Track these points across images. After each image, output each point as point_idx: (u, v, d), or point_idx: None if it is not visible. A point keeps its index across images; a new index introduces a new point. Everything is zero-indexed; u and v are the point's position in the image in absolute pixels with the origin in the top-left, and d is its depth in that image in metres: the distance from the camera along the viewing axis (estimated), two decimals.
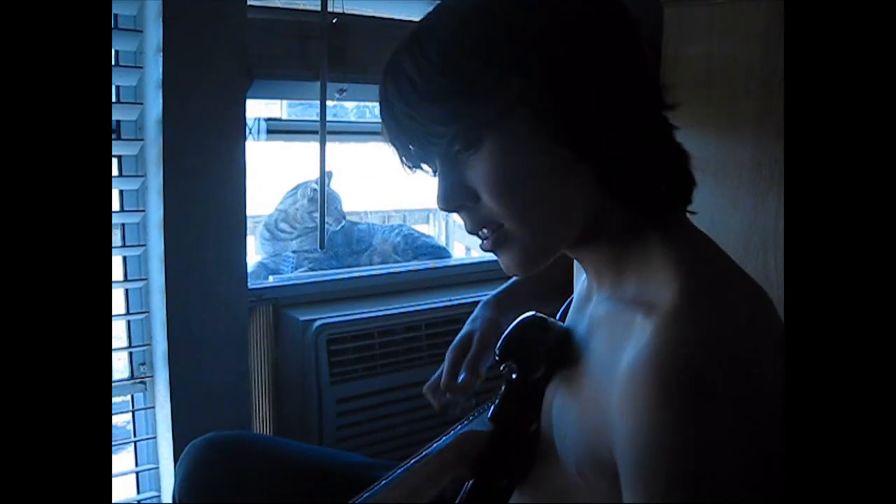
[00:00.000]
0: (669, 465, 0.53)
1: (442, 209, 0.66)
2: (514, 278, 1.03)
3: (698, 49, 1.56)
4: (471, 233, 0.67)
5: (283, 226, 1.70)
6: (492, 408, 0.76)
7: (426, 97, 0.60)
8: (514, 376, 0.72)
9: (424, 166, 0.66)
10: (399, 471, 0.81)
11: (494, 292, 1.05)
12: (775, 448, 0.51)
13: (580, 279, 0.79)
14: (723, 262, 0.62)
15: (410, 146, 0.64)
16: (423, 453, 0.81)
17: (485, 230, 0.65)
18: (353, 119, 2.89)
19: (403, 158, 0.66)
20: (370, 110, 3.52)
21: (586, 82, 0.59)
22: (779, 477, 0.51)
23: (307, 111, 2.87)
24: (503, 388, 0.74)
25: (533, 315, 0.74)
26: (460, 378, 0.90)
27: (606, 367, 0.60)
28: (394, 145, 0.65)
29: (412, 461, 0.81)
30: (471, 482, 0.74)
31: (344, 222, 1.74)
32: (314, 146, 1.74)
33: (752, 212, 1.49)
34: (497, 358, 0.73)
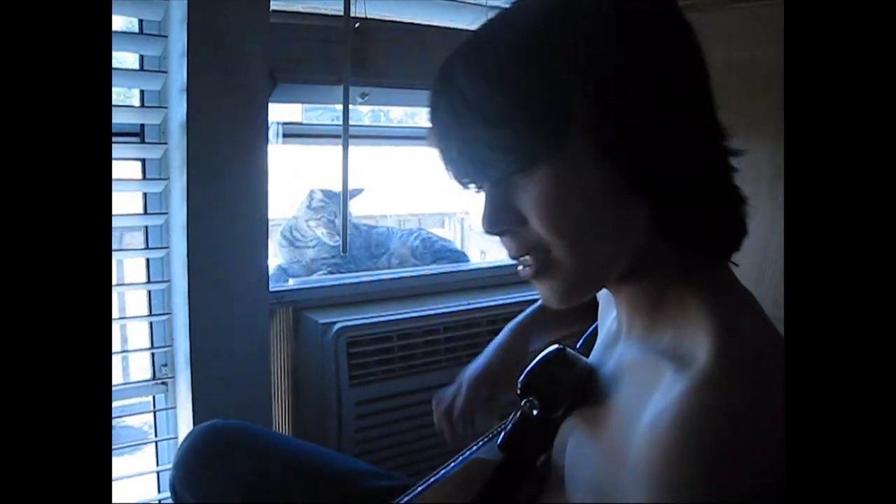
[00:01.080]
0: None
1: (487, 232, 0.61)
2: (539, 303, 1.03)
3: (716, 54, 1.54)
4: (513, 258, 0.63)
5: (296, 234, 1.70)
6: (502, 435, 0.74)
7: (480, 117, 0.56)
8: (535, 412, 0.69)
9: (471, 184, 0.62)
10: (405, 498, 0.79)
11: (520, 316, 1.03)
12: None
13: (609, 314, 0.76)
14: (758, 322, 0.59)
15: (458, 165, 0.60)
16: (430, 480, 0.80)
17: (527, 257, 0.61)
18: (368, 123, 2.90)
19: (451, 174, 0.61)
20: (385, 114, 3.54)
21: (656, 115, 0.56)
22: None
23: (322, 115, 2.89)
24: (517, 416, 0.72)
25: (557, 349, 0.71)
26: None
27: (630, 416, 0.57)
28: (442, 160, 0.61)
29: (419, 488, 0.80)
30: None
31: (340, 238, 1.68)
32: (330, 150, 1.75)
33: (772, 216, 1.49)
34: (518, 392, 0.70)
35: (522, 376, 0.70)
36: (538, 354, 0.71)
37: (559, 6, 0.57)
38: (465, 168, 0.60)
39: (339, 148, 1.50)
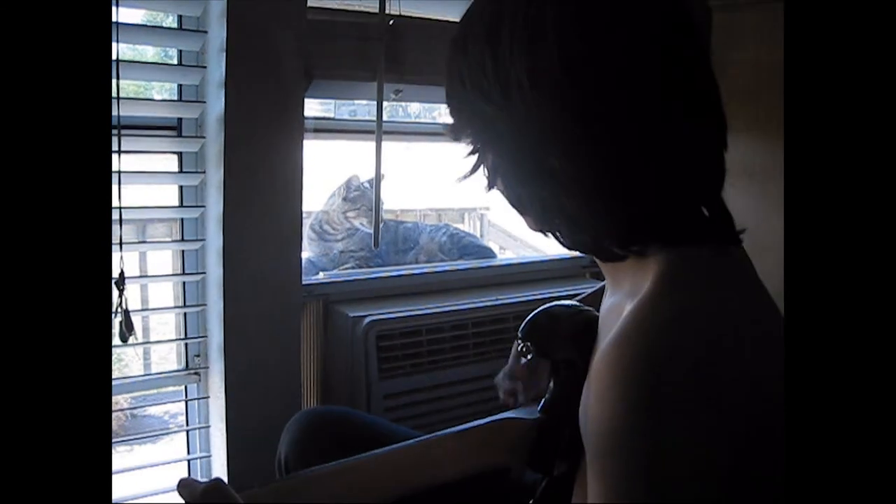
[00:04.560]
0: (624, 449, 0.51)
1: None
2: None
3: (748, 54, 1.56)
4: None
5: (326, 227, 1.72)
6: (542, 401, 0.78)
7: (448, 91, 0.65)
8: (529, 356, 0.74)
9: None
10: (422, 438, 0.81)
11: None
12: (753, 450, 0.51)
13: None
14: (720, 268, 0.60)
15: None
16: (452, 430, 0.81)
17: None
18: (386, 118, 2.91)
19: None
20: (403, 108, 3.54)
21: (581, 96, 0.57)
22: (753, 479, 0.51)
23: (341, 109, 2.91)
24: (551, 381, 0.76)
25: (562, 302, 0.76)
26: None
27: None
28: None
29: (439, 434, 0.81)
30: (544, 479, 0.76)
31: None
32: (350, 144, 1.76)
33: None
34: (519, 338, 0.75)
35: (524, 323, 0.75)
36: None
37: None
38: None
39: (357, 143, 1.53)
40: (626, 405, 0.51)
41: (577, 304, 0.76)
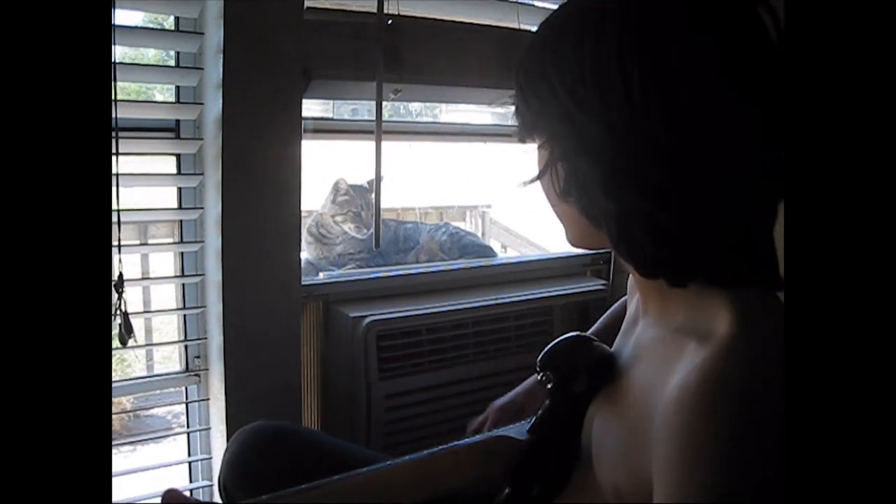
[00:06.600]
0: (710, 487, 0.51)
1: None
2: None
3: None
4: None
5: (322, 230, 1.71)
6: (532, 420, 0.78)
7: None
8: (549, 385, 0.74)
9: None
10: (423, 454, 0.81)
11: None
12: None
13: (632, 302, 0.79)
14: (770, 302, 0.60)
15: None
16: (453, 444, 0.82)
17: None
18: (387, 117, 2.90)
19: None
20: (405, 107, 3.54)
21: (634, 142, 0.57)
22: None
23: (341, 108, 2.90)
24: (546, 402, 0.77)
25: (578, 334, 0.77)
26: None
27: (653, 388, 0.60)
28: None
29: (438, 449, 0.81)
30: (508, 489, 0.76)
31: (368, 232, 1.68)
32: (351, 144, 1.75)
33: None
34: (538, 367, 0.75)
35: (542, 354, 0.75)
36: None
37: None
38: None
39: (357, 142, 1.52)
40: (715, 447, 0.52)
41: (589, 336, 0.77)
